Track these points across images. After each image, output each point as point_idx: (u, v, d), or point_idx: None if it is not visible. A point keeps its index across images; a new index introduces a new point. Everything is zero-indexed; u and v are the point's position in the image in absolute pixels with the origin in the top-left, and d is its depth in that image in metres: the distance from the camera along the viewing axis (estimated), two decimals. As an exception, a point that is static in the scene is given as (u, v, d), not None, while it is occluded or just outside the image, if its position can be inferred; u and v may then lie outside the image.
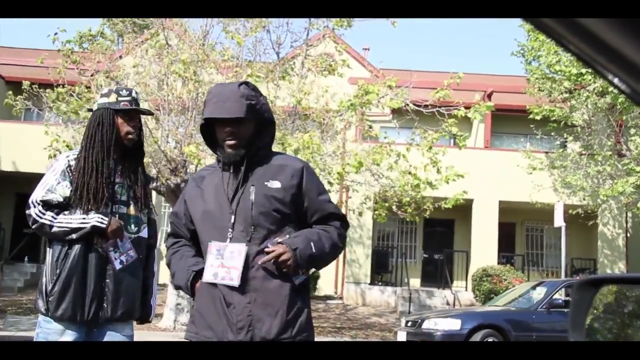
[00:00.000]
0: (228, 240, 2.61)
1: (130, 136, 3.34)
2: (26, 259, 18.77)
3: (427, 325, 10.98)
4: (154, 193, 15.43)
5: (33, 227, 3.22)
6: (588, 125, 17.41)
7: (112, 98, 3.33)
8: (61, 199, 3.23)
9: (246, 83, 2.74)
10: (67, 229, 3.18)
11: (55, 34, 11.91)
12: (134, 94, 3.37)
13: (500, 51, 60.75)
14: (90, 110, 3.56)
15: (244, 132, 2.67)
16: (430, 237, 20.61)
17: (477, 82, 19.58)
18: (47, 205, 3.21)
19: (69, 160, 3.31)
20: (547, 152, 18.46)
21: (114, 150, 3.32)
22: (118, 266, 3.24)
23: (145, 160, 3.70)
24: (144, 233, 3.42)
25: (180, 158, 11.28)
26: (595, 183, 17.02)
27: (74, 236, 3.18)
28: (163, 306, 12.55)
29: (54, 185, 3.25)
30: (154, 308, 3.53)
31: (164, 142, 11.61)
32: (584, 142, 17.74)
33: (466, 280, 19.11)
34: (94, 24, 27.47)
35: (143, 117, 3.65)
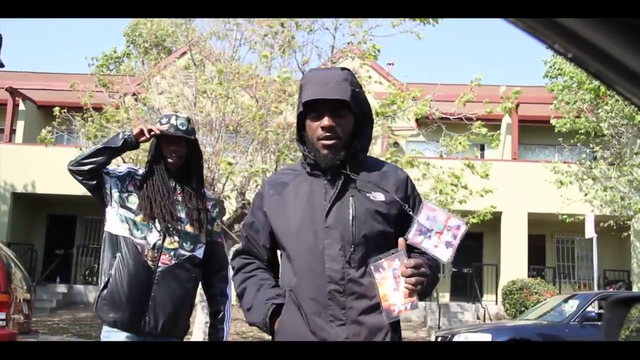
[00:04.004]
0: (324, 262, 2.16)
1: (169, 160, 3.46)
2: (58, 279, 19.01)
3: (457, 340, 10.88)
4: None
5: (68, 167, 3.38)
6: (617, 134, 17.20)
7: (157, 125, 3.50)
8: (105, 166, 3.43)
9: (348, 69, 2.30)
10: (87, 152, 3.40)
11: (92, 58, 12.28)
12: (173, 121, 3.46)
13: (526, 62, 60.40)
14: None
15: (345, 128, 2.20)
16: (459, 251, 20.30)
17: (499, 93, 19.47)
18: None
19: (134, 170, 3.58)
20: (574, 163, 18.28)
21: (169, 172, 3.49)
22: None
23: None
24: (199, 253, 3.49)
25: (208, 176, 11.37)
26: (626, 193, 16.78)
27: (97, 147, 3.40)
28: (192, 325, 12.59)
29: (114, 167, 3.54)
30: (226, 331, 3.55)
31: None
32: (613, 152, 17.53)
33: (496, 293, 18.91)
34: (118, 44, 27.92)
35: None
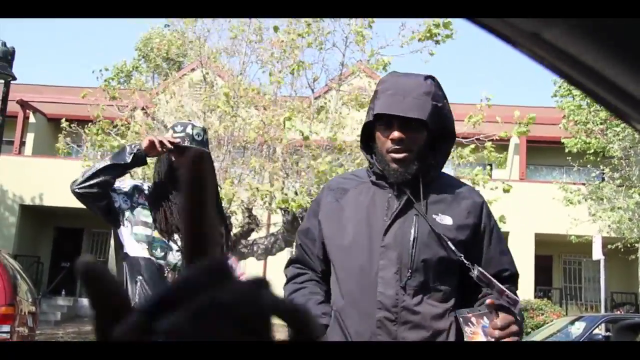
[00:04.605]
0: (376, 285, 1.92)
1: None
2: (63, 292, 19.01)
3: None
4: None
5: (74, 189, 2.99)
6: (626, 156, 17.14)
7: (169, 134, 3.18)
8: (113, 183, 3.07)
9: (432, 78, 2.05)
10: (92, 171, 3.00)
11: (100, 70, 12.39)
12: (189, 130, 3.14)
13: (534, 82, 60.39)
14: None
15: (418, 142, 1.98)
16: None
17: (511, 114, 19.44)
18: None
19: (140, 184, 3.24)
20: (583, 184, 18.21)
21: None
22: None
23: None
24: None
25: (215, 192, 11.38)
26: (634, 215, 16.69)
27: (105, 163, 3.00)
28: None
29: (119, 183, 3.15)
30: None
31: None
32: (622, 174, 17.46)
33: (503, 314, 18.79)
34: (128, 58, 28.11)
35: None
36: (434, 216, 1.97)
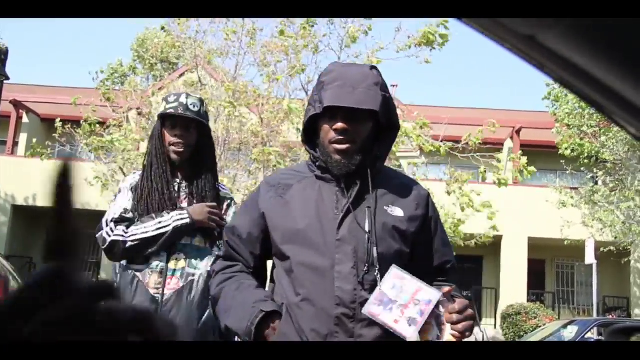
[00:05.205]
0: (333, 280, 1.84)
1: (173, 147, 2.77)
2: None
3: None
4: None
5: (104, 248, 2.71)
6: (619, 161, 17.19)
7: (162, 106, 2.84)
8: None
9: (377, 68, 1.98)
10: (142, 239, 2.67)
11: (96, 72, 12.43)
12: (182, 99, 2.79)
13: (529, 86, 60.58)
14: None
15: (362, 133, 1.92)
16: (458, 274, 20.36)
17: (505, 118, 19.50)
18: (118, 221, 2.73)
19: (133, 179, 2.87)
20: (576, 188, 18.26)
21: (172, 166, 2.81)
22: None
23: None
24: None
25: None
26: (627, 219, 16.74)
27: (155, 248, 2.67)
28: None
29: (128, 206, 2.79)
30: None
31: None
32: (615, 178, 17.51)
33: (495, 317, 18.83)
34: (125, 57, 28.04)
35: None
36: (385, 208, 1.94)
